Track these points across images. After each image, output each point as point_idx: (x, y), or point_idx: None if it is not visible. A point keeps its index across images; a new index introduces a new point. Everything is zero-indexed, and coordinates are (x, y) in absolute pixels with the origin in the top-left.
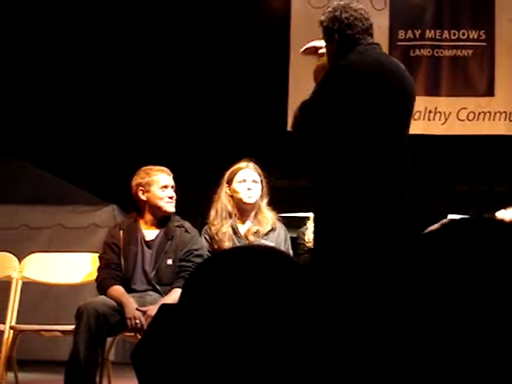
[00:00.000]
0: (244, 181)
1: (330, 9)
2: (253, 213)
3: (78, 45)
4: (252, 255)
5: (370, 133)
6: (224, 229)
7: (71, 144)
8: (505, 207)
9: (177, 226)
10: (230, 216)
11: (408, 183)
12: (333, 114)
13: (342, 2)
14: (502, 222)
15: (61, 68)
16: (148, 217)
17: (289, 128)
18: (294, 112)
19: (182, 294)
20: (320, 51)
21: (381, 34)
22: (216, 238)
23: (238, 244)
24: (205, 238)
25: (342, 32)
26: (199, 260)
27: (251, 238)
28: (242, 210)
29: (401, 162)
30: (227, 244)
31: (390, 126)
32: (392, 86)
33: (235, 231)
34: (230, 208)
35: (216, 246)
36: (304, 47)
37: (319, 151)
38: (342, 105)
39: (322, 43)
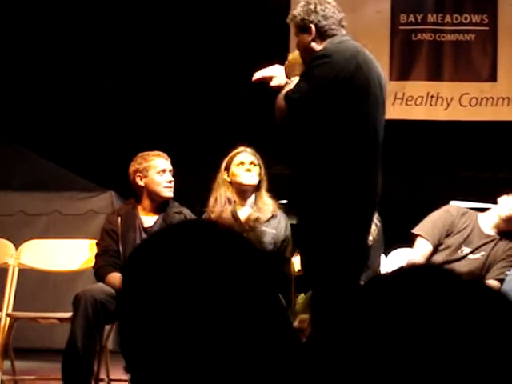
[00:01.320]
0: (242, 163)
1: (302, 3)
2: (252, 197)
3: (77, 33)
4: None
5: (360, 118)
6: (224, 215)
7: (69, 130)
8: (507, 193)
9: (176, 213)
10: (230, 202)
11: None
12: (324, 102)
13: None
14: (450, 273)
15: (59, 54)
16: (146, 203)
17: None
18: (278, 101)
19: (122, 278)
20: (272, 83)
21: (382, 19)
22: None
23: (237, 230)
24: None
25: (319, 23)
26: None
27: (252, 224)
28: (242, 194)
29: (378, 150)
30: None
31: (375, 113)
32: (375, 75)
33: (235, 218)
34: (229, 194)
35: None
36: (255, 77)
37: (305, 140)
38: (333, 92)
39: (273, 72)
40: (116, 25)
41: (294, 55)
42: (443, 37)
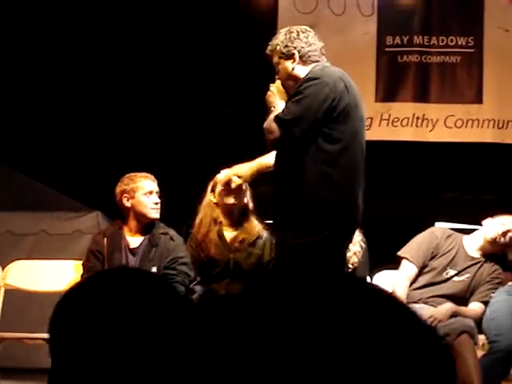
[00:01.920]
0: (228, 185)
1: (284, 31)
2: (239, 218)
3: (60, 52)
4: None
5: (350, 136)
6: (210, 235)
7: (56, 150)
8: (492, 215)
9: (161, 234)
10: (216, 223)
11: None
12: (316, 122)
13: (294, 26)
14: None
15: (44, 74)
16: (132, 224)
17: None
18: (268, 125)
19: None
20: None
21: (369, 40)
22: (202, 245)
23: (223, 251)
24: (190, 246)
25: (302, 49)
26: (184, 268)
27: (237, 245)
28: (229, 215)
29: (363, 168)
30: (213, 251)
31: (363, 132)
32: (358, 97)
33: (221, 238)
34: (215, 215)
35: (202, 255)
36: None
37: (294, 159)
38: (324, 112)
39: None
40: (100, 42)
41: (276, 85)
42: (429, 58)
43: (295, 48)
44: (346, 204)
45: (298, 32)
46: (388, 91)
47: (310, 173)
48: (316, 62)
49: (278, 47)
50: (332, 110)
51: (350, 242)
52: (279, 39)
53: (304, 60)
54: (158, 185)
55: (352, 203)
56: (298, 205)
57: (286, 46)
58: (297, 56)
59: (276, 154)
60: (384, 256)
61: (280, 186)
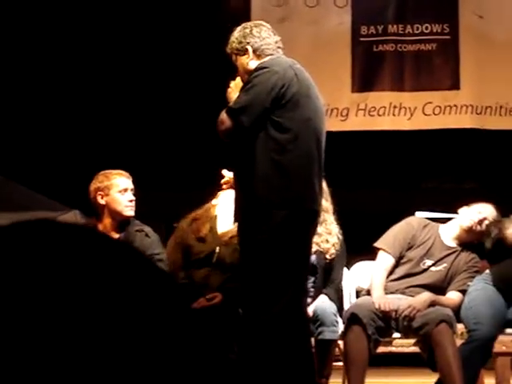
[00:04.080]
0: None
1: (238, 28)
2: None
3: (38, 51)
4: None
5: (302, 123)
6: (203, 218)
7: (32, 150)
8: (468, 204)
9: (137, 231)
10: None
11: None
12: (266, 110)
13: (249, 22)
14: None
15: (21, 73)
16: (107, 221)
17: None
18: (220, 118)
19: None
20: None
21: (343, 31)
22: (195, 224)
23: (211, 240)
24: (181, 226)
25: (255, 43)
26: (160, 264)
27: (227, 240)
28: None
29: (320, 157)
30: (204, 232)
31: (316, 120)
32: (312, 86)
33: (212, 227)
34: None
35: (192, 236)
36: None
37: (246, 150)
38: (274, 99)
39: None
40: (81, 41)
41: (236, 81)
42: (405, 47)
43: (248, 43)
44: (298, 192)
45: (251, 27)
46: (364, 81)
47: (260, 162)
48: (270, 55)
49: (234, 44)
50: (280, 97)
51: (312, 231)
52: (234, 36)
53: (258, 54)
54: (137, 183)
55: (306, 192)
56: (250, 195)
57: (240, 42)
58: (250, 51)
59: (228, 145)
60: (365, 247)
61: (234, 176)
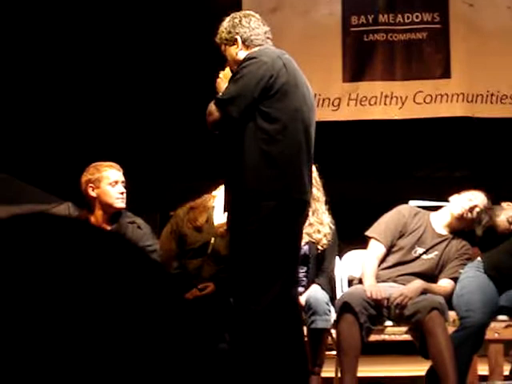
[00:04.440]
0: None
1: (227, 19)
2: None
3: (31, 44)
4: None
5: (290, 113)
6: (200, 208)
7: (25, 143)
8: (458, 192)
9: (129, 223)
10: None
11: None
12: (254, 99)
13: (238, 12)
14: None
15: (15, 67)
16: (99, 213)
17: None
18: (208, 109)
19: None
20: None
21: (333, 21)
22: (192, 213)
23: (207, 230)
24: (178, 215)
25: (244, 34)
26: (153, 256)
27: (222, 231)
28: None
29: (308, 147)
30: (200, 221)
31: (305, 109)
32: (300, 77)
33: (208, 218)
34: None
35: (189, 225)
36: None
37: (235, 140)
38: (262, 89)
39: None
40: (73, 34)
41: (225, 71)
42: (395, 36)
43: (237, 33)
44: (287, 183)
45: (240, 17)
46: (355, 71)
47: (250, 152)
48: (259, 45)
49: (223, 34)
50: (269, 88)
51: (301, 221)
52: (223, 26)
53: (247, 45)
54: (133, 173)
55: (295, 182)
56: (239, 185)
57: (229, 33)
58: (239, 41)
59: (217, 136)
60: (356, 236)
61: (223, 166)
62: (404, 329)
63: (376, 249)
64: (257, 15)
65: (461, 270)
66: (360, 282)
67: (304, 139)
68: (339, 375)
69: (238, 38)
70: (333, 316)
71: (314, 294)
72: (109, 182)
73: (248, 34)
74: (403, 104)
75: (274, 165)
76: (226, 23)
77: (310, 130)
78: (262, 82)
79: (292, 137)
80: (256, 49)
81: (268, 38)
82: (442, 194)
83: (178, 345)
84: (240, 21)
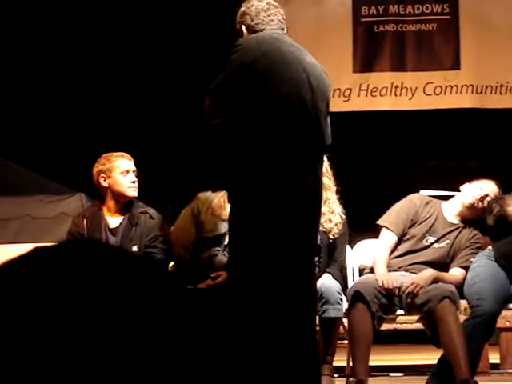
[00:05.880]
0: None
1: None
2: None
3: (42, 37)
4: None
5: (275, 101)
6: (216, 201)
7: (37, 134)
8: (470, 181)
9: (141, 213)
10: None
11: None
12: (237, 87)
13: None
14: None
15: (25, 58)
16: (111, 204)
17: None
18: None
19: None
20: None
21: (344, 12)
22: (207, 204)
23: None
24: (195, 205)
25: (250, 21)
26: (164, 246)
27: None
28: None
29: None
30: (218, 212)
31: (300, 95)
32: (296, 62)
33: (214, 214)
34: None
35: (204, 216)
36: None
37: (228, 130)
38: (244, 75)
39: None
40: (79, 30)
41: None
42: (405, 27)
43: (242, 23)
44: (283, 171)
45: (245, 7)
46: (365, 62)
47: (237, 143)
48: (261, 31)
49: (236, 26)
50: (251, 71)
51: (311, 209)
52: (236, 18)
53: (251, 31)
54: (142, 165)
55: (293, 170)
56: (234, 175)
57: (238, 23)
58: (244, 30)
59: (212, 126)
60: (368, 226)
61: (223, 157)
62: (415, 318)
63: (387, 238)
64: (268, 2)
65: (472, 259)
66: (371, 271)
67: (297, 125)
68: (351, 364)
69: (243, 27)
70: (345, 305)
71: (325, 282)
72: (120, 172)
73: (249, 20)
74: (413, 95)
75: (266, 154)
76: (238, 14)
77: (309, 115)
78: (243, 70)
79: (277, 124)
80: (254, 34)
81: (271, 20)
82: (452, 183)
83: (183, 349)
84: (245, 9)
